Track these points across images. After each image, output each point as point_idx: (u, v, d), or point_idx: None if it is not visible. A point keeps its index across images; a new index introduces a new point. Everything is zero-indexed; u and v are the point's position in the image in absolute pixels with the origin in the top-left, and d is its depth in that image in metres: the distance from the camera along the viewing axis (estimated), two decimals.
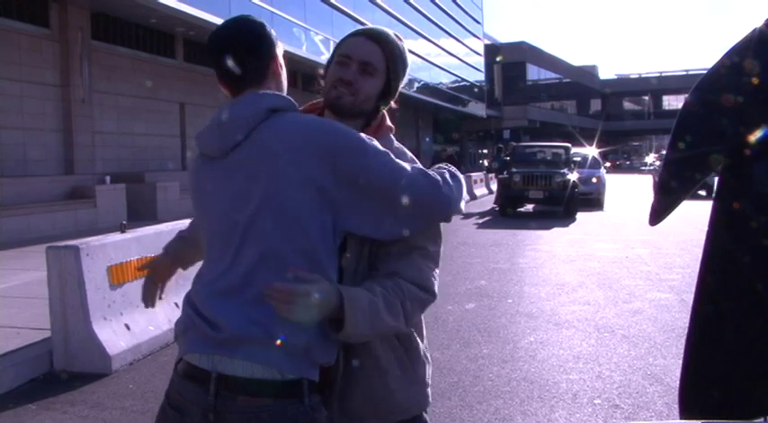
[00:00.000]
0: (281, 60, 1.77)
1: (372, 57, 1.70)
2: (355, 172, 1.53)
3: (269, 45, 1.72)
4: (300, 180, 1.50)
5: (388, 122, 1.83)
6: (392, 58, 1.73)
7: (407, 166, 1.60)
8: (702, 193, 10.50)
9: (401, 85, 1.81)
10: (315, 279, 1.45)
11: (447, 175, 1.65)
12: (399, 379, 1.68)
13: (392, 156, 1.59)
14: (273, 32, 1.76)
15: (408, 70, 1.81)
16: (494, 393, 4.37)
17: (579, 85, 71.76)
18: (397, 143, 1.81)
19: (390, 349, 1.67)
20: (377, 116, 1.78)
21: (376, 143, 1.58)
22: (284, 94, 1.73)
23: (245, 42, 1.69)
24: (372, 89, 1.71)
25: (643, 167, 53.14)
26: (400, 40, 1.79)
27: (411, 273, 1.60)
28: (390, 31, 1.78)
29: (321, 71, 1.80)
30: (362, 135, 1.59)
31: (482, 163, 43.51)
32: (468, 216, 16.84)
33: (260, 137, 1.55)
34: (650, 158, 55.85)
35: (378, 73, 1.71)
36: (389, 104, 1.80)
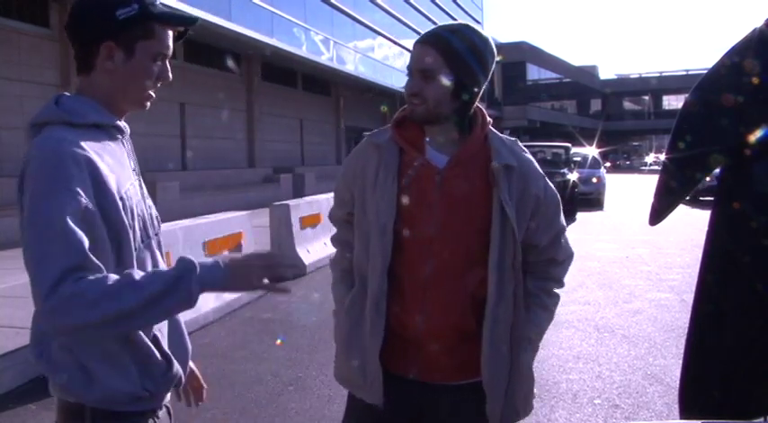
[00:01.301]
0: (141, 56, 1.48)
1: (426, 61, 1.68)
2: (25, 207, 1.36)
3: (93, 28, 1.44)
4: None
5: (488, 118, 1.83)
6: (451, 53, 1.67)
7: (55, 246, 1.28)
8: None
9: (491, 70, 1.76)
10: None
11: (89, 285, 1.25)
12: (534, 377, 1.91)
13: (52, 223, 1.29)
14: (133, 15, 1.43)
15: (488, 54, 1.72)
16: None
17: (579, 85, 71.73)
18: (507, 137, 1.86)
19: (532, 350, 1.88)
20: (468, 114, 1.78)
21: (55, 202, 1.31)
22: (139, 100, 1.53)
23: (70, 18, 1.45)
24: (439, 91, 1.69)
25: (643, 167, 53.05)
26: (465, 31, 1.72)
27: (563, 253, 1.89)
28: (452, 27, 1.73)
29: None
30: (53, 183, 1.32)
31: None
32: None
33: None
34: (650, 158, 55.42)
35: (439, 74, 1.68)
36: (478, 96, 1.77)
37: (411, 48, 1.77)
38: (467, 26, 1.74)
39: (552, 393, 4.38)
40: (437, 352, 1.78)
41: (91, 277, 1.26)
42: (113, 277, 1.28)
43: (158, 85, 1.56)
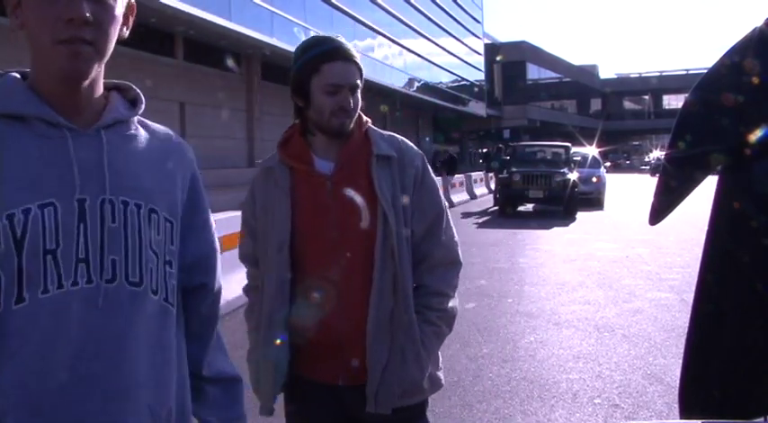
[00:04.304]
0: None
1: (356, 78, 1.82)
2: None
3: None
4: None
5: (365, 117, 1.95)
6: (362, 68, 1.85)
7: None
8: None
9: None
10: None
11: None
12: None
13: None
14: None
15: None
16: (494, 393, 4.37)
17: (579, 85, 71.72)
18: (387, 132, 1.96)
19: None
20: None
21: None
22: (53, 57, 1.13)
23: None
24: (358, 104, 1.84)
25: (643, 167, 52.94)
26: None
27: (441, 252, 1.89)
28: (342, 40, 1.87)
29: (295, 97, 1.89)
30: None
31: (482, 162, 43.60)
32: (467, 215, 16.85)
33: None
34: (653, 154, 54.36)
35: (359, 88, 1.83)
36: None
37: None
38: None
39: (552, 393, 4.38)
40: (358, 353, 1.82)
41: None
42: None
43: (71, 21, 1.06)
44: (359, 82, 1.82)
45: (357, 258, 1.82)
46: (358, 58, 1.84)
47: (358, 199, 1.83)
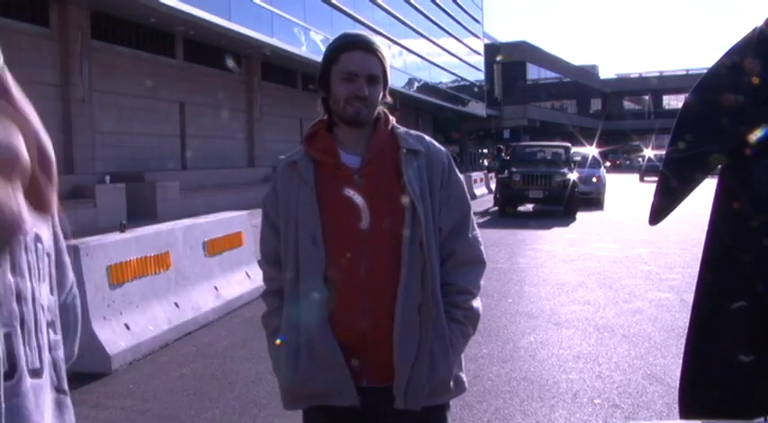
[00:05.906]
0: None
1: (375, 68, 1.82)
2: None
3: None
4: None
5: (390, 116, 1.96)
6: (384, 62, 1.86)
7: None
8: None
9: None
10: None
11: None
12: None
13: None
14: None
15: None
16: (494, 393, 4.37)
17: (579, 85, 71.71)
18: (413, 131, 1.96)
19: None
20: (377, 115, 1.91)
21: None
22: None
23: None
24: (379, 96, 1.85)
25: (638, 166, 52.70)
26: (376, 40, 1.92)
27: (467, 250, 1.89)
28: (370, 36, 1.90)
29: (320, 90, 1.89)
30: None
31: (482, 162, 43.60)
32: None
33: None
34: (647, 153, 53.35)
35: (380, 80, 1.84)
36: (386, 100, 1.93)
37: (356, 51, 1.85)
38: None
39: (552, 393, 4.38)
40: (383, 352, 1.80)
41: None
42: None
43: None
44: (377, 73, 1.82)
45: (384, 252, 1.81)
46: (381, 51, 1.85)
47: (387, 192, 1.83)
